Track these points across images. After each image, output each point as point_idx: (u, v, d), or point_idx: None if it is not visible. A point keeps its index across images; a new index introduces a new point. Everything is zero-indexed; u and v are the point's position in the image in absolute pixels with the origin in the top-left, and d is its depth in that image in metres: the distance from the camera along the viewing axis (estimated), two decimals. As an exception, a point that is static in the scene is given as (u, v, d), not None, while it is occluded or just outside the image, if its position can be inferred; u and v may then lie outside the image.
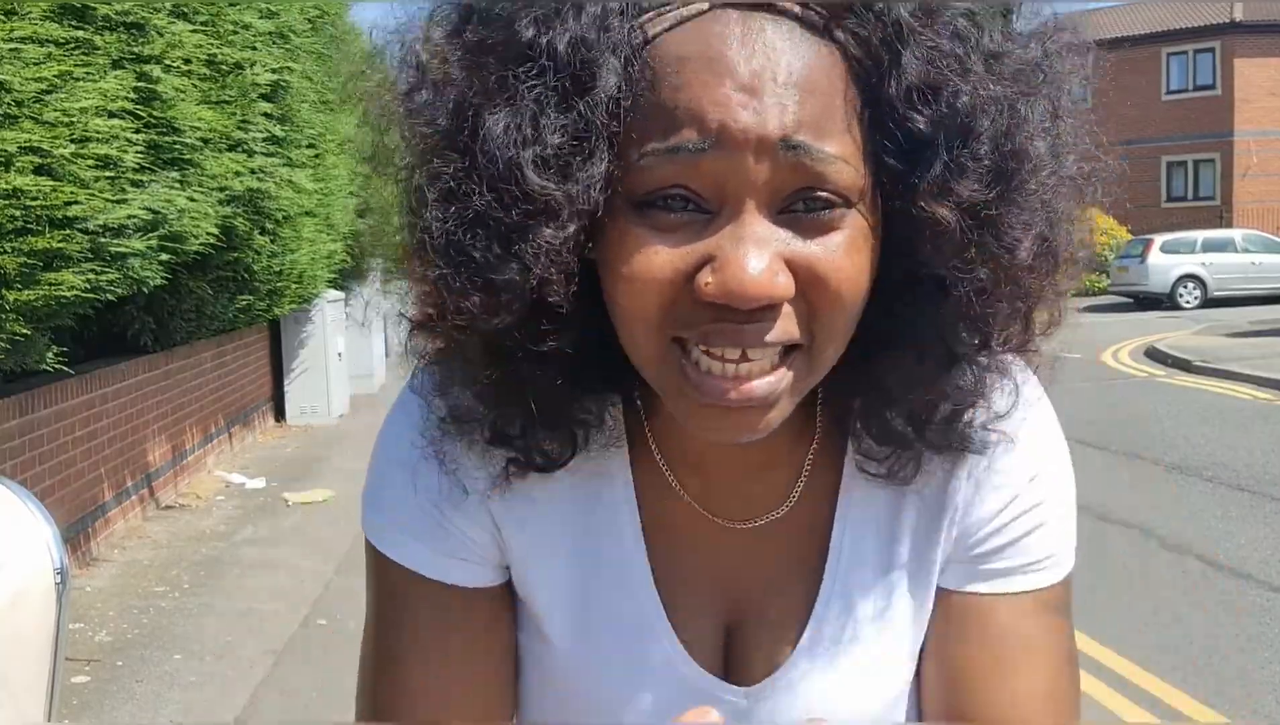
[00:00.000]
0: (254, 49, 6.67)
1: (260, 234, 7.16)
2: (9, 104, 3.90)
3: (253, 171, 6.61)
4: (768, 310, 0.62)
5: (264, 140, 6.90)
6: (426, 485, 0.78)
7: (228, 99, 6.27)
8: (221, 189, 6.05)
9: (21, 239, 4.00)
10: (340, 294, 11.03)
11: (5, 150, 3.85)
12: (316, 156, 8.30)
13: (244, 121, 6.49)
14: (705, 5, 0.61)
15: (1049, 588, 0.79)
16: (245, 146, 6.56)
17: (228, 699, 4.03)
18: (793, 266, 0.62)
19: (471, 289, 0.64)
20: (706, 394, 0.64)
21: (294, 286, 8.47)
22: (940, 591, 0.80)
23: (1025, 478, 0.78)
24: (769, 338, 0.63)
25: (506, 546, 0.79)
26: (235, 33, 6.39)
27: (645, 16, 0.62)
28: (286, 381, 10.26)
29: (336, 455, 8.72)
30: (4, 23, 3.91)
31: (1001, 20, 0.66)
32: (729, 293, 0.60)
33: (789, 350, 0.65)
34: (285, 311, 8.98)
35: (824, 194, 0.62)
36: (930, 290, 0.67)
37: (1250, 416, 9.50)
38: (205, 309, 7.06)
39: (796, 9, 0.61)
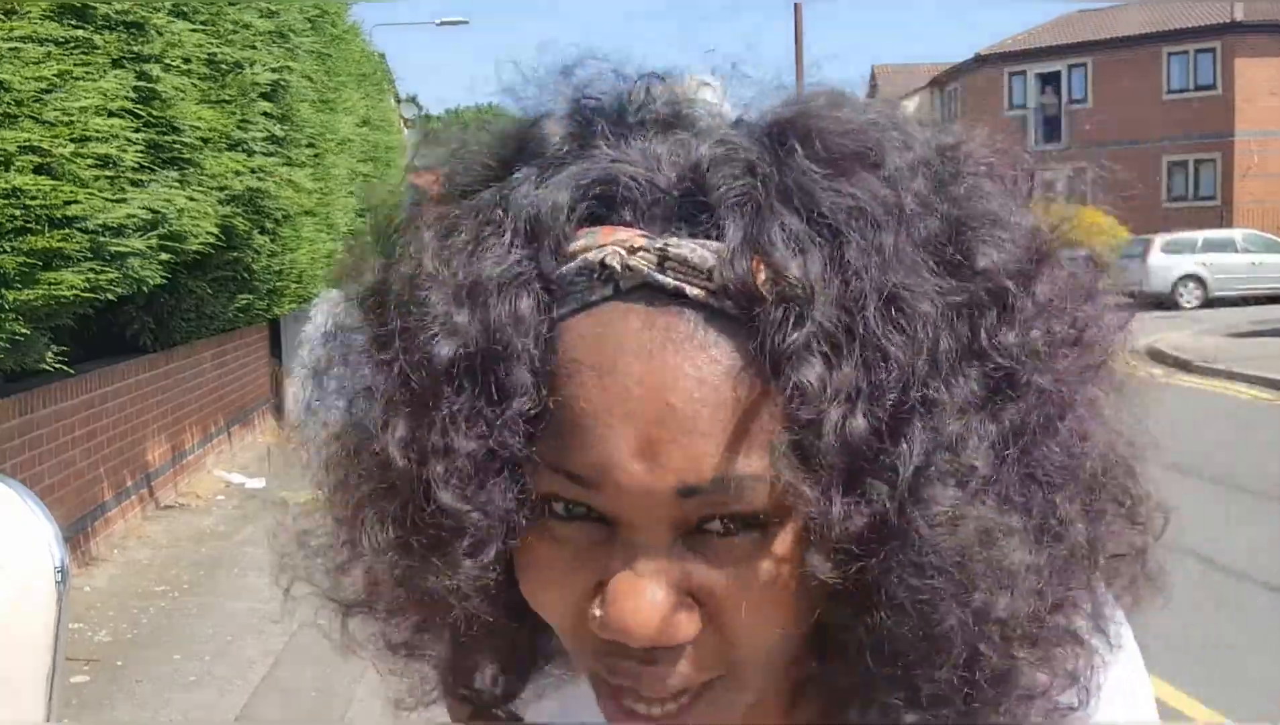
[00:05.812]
0: (254, 48, 6.67)
1: (260, 233, 7.16)
2: (9, 103, 3.90)
3: (252, 171, 6.60)
4: (668, 650, 0.53)
5: (264, 139, 6.90)
6: None
7: (227, 98, 6.26)
8: (221, 188, 6.04)
9: (21, 238, 4.00)
10: (340, 294, 11.02)
11: (5, 150, 3.85)
12: (316, 156, 8.29)
13: (244, 121, 6.49)
14: (609, 291, 0.52)
15: None
16: (245, 146, 6.56)
17: (228, 699, 4.03)
18: (699, 598, 0.52)
19: (412, 598, 0.59)
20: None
21: (294, 286, 8.47)
22: None
23: None
24: (671, 683, 0.54)
25: None
26: (235, 32, 6.39)
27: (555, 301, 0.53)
28: (287, 381, 10.26)
29: (336, 455, 8.71)
30: (4, 22, 3.90)
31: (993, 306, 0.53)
32: (615, 632, 0.52)
33: (706, 683, 0.55)
34: (285, 311, 8.97)
35: (738, 512, 0.51)
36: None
37: (1250, 416, 9.50)
38: (205, 309, 7.06)
39: (710, 299, 0.51)
